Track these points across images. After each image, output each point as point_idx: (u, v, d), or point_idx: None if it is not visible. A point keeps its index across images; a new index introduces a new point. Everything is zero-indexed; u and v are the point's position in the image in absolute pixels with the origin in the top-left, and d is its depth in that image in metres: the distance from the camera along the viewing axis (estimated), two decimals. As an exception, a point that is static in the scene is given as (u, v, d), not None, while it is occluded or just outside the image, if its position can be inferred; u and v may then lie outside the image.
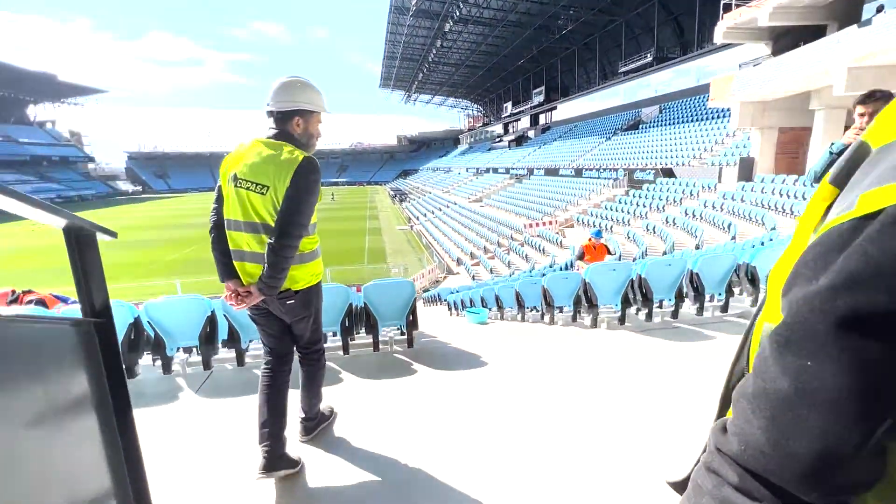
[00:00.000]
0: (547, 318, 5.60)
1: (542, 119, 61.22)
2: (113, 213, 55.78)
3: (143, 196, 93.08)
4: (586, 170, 28.51)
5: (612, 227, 17.69)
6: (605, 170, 25.89)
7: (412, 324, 4.20)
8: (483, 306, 8.09)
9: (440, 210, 40.51)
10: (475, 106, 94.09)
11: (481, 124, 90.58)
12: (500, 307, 7.96)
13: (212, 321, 4.00)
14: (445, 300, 12.05)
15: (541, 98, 57.75)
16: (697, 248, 11.24)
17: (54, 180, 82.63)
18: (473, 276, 18.21)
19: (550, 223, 21.50)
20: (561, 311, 5.48)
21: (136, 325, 3.86)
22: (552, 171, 33.67)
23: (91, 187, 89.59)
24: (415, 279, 18.36)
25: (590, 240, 6.83)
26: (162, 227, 41.42)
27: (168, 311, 3.95)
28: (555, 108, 57.04)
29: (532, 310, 6.48)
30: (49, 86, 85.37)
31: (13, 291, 4.99)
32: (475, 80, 68.91)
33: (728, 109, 22.64)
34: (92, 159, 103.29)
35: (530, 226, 21.62)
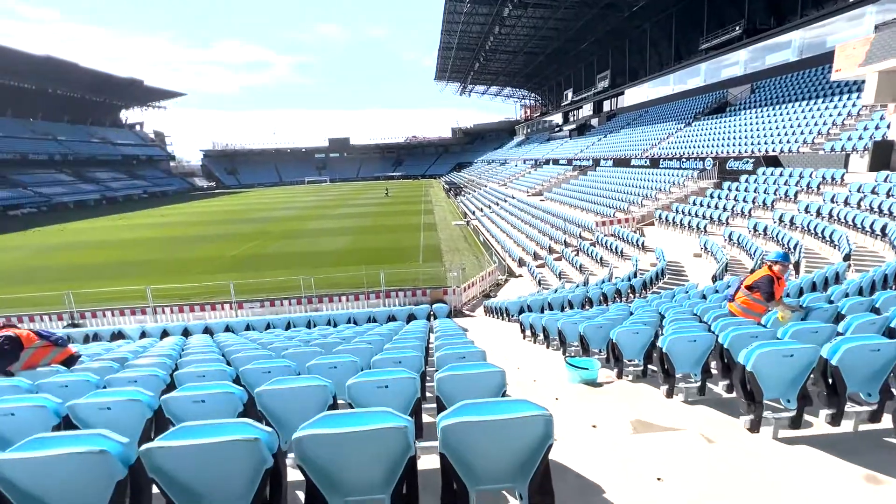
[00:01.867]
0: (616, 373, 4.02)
1: (606, 106, 57.23)
2: (189, 208, 59.64)
3: (216, 191, 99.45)
4: (664, 159, 25.53)
5: (705, 226, 15.17)
6: (687, 159, 22.89)
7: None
8: (565, 346, 6.49)
9: (497, 205, 38.79)
10: (532, 95, 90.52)
11: (539, 114, 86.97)
12: (562, 342, 6.43)
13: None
14: (516, 318, 10.46)
15: (605, 83, 53.82)
16: (846, 259, 8.80)
17: (142, 177, 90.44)
18: (539, 281, 16.51)
19: (627, 221, 19.19)
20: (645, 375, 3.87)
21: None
22: (622, 162, 30.77)
23: (172, 183, 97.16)
24: (472, 284, 17.03)
25: (773, 267, 4.65)
26: (229, 221, 43.30)
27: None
28: (621, 93, 52.96)
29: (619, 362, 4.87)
30: (137, 91, 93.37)
31: None
32: (533, 68, 65.86)
33: (854, 83, 19.00)
34: (173, 157, 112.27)
35: (603, 223, 19.44)
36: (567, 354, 6.21)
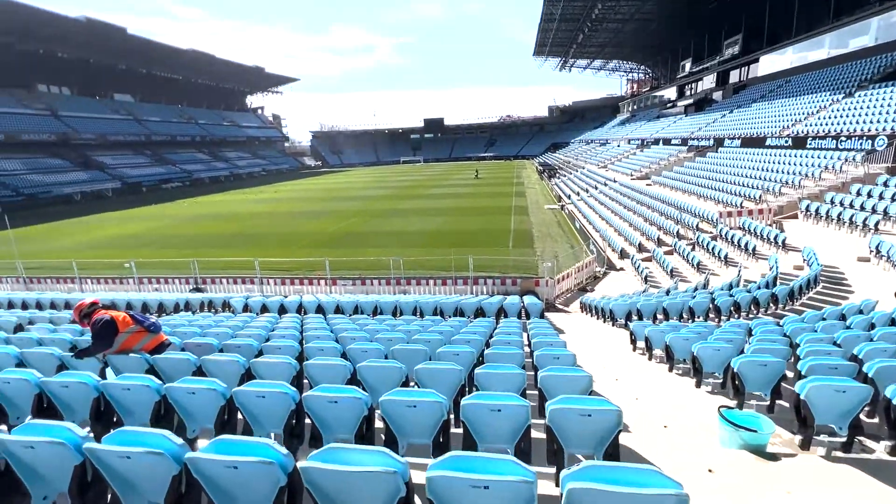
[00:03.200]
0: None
1: (733, 77, 49.51)
2: (298, 185, 65.09)
3: (321, 170, 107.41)
4: (813, 138, 21.10)
5: (876, 222, 12.01)
6: (848, 137, 18.57)
7: None
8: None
9: (596, 188, 35.95)
10: (642, 67, 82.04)
11: (648, 88, 78.69)
12: (669, 357, 5.20)
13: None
14: (622, 322, 9.09)
15: (735, 49, 46.37)
16: None
17: (262, 157, 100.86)
18: (646, 277, 14.64)
19: (760, 212, 16.20)
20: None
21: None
22: (754, 141, 26.24)
23: (286, 162, 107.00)
24: (567, 275, 15.73)
25: None
26: (330, 198, 46.20)
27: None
28: (755, 60, 45.17)
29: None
30: (259, 78, 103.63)
31: (94, 303, 4.38)
32: (645, 37, 59.22)
33: None
34: (287, 139, 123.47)
35: (728, 214, 16.65)
36: (712, 394, 5.00)
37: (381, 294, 15.74)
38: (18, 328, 7.62)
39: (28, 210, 43.99)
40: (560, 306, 14.37)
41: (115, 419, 3.20)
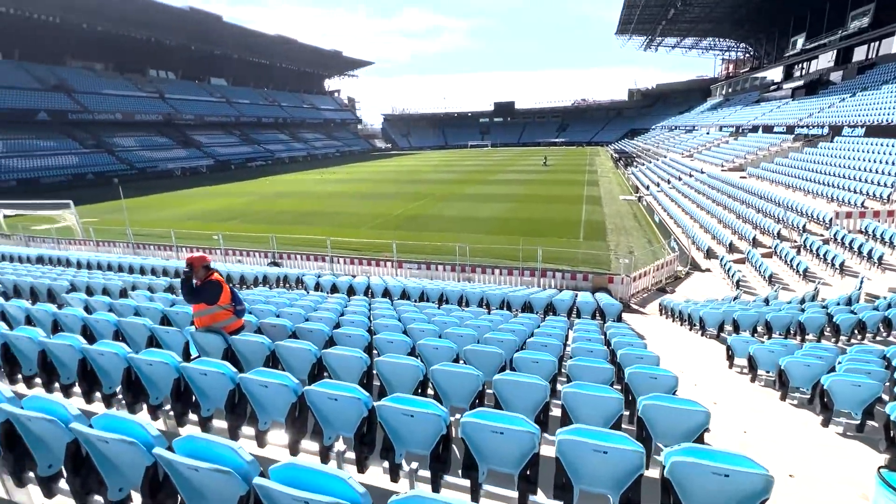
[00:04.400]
0: None
1: (857, 54, 42.62)
2: (369, 167, 67.07)
3: (391, 152, 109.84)
4: (968, 128, 17.45)
5: None
6: None
7: None
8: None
9: (679, 179, 32.99)
10: (741, 46, 73.48)
11: (748, 69, 70.38)
12: (783, 384, 4.65)
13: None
14: (713, 332, 8.08)
15: (864, 22, 39.74)
16: None
17: (336, 139, 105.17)
18: (738, 281, 13.06)
19: (889, 214, 13.75)
20: None
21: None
22: (882, 130, 22.39)
23: (358, 144, 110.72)
24: (644, 273, 14.53)
25: None
26: (399, 181, 47.00)
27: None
28: (889, 34, 38.43)
29: None
30: (337, 62, 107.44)
31: (207, 267, 4.47)
32: (749, 10, 52.66)
33: None
34: (360, 121, 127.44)
35: (847, 215, 14.34)
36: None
37: (445, 280, 15.62)
38: (122, 293, 8.39)
39: (138, 182, 49.51)
40: (636, 307, 13.32)
41: (193, 400, 3.23)
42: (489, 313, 8.16)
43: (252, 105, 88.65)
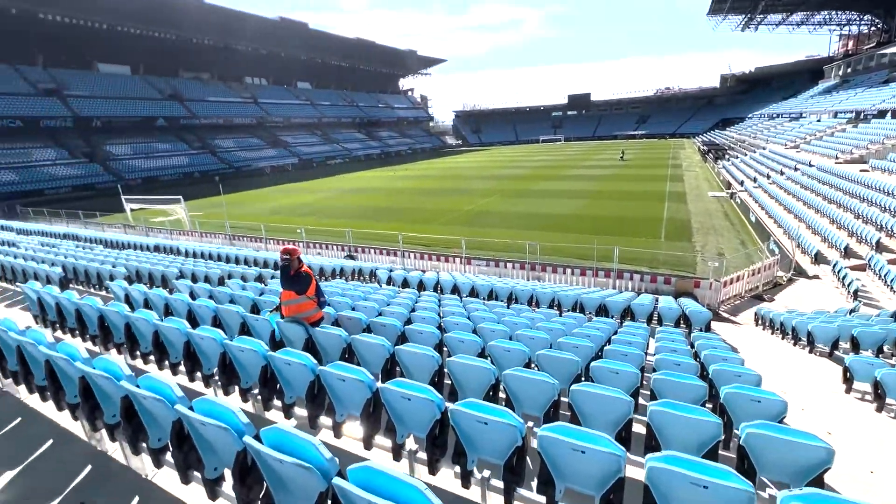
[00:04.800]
0: None
1: None
2: (440, 163, 68.08)
3: (461, 149, 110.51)
4: None
5: None
6: None
7: None
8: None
9: (781, 174, 29.34)
10: (864, 18, 63.28)
11: (873, 44, 60.46)
12: None
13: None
14: (824, 349, 6.96)
15: None
16: None
17: (409, 136, 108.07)
18: (855, 291, 11.27)
19: None
20: None
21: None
22: None
23: (429, 141, 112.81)
24: (737, 278, 13.11)
25: None
26: (468, 177, 47.11)
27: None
28: None
29: None
30: (412, 61, 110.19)
31: (299, 259, 4.77)
32: (882, -26, 45.13)
33: None
34: (431, 118, 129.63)
35: None
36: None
37: (514, 278, 15.36)
38: (220, 281, 9.28)
39: (235, 180, 54.74)
40: (726, 315, 12.08)
41: (278, 387, 3.44)
42: (561, 315, 7.85)
43: (332, 106, 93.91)
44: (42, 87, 52.11)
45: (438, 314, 6.55)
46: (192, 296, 6.66)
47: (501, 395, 3.64)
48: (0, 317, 4.26)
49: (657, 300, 10.13)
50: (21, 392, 3.98)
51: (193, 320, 5.38)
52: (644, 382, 4.40)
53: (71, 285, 8.92)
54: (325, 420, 3.22)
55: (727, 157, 46.38)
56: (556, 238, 19.37)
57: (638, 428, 3.43)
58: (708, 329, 8.01)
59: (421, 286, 10.95)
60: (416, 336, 4.79)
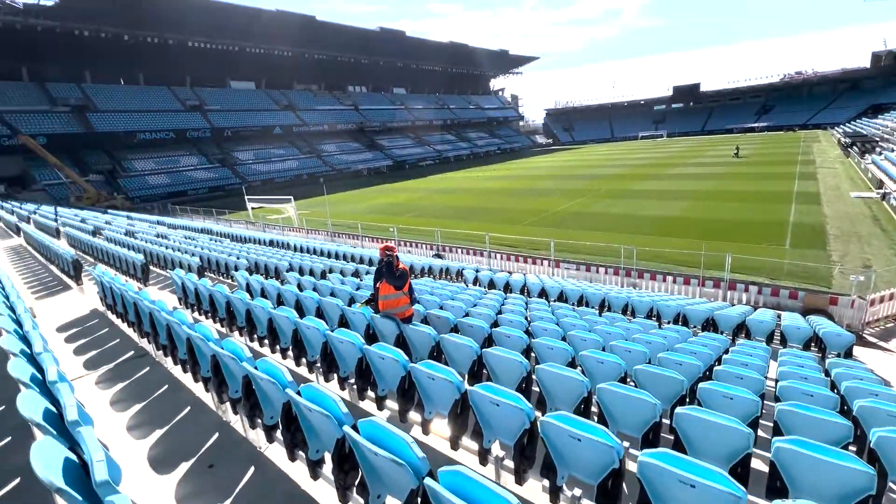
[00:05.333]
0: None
1: None
2: (528, 163, 66.89)
3: (552, 147, 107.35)
4: None
5: None
6: None
7: None
8: None
9: (961, 170, 23.74)
10: None
11: None
12: None
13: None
14: None
15: None
16: None
17: (498, 136, 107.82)
18: None
19: None
20: None
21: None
22: None
23: (518, 141, 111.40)
24: (890, 296, 10.88)
25: None
26: (558, 177, 45.57)
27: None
28: None
29: None
30: (503, 61, 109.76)
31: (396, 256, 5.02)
32: None
33: None
34: (522, 117, 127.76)
35: None
36: None
37: (606, 284, 14.51)
38: (323, 274, 10.12)
39: (336, 181, 59.36)
40: (873, 339, 10.11)
41: (371, 379, 3.64)
42: (660, 327, 7.21)
43: (425, 110, 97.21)
44: (189, 104, 61.53)
45: (525, 318, 6.41)
46: (300, 287, 7.34)
47: (593, 409, 3.44)
48: (155, 298, 5.10)
49: (780, 317, 8.82)
50: (167, 363, 4.73)
51: (301, 310, 5.93)
52: (764, 412, 3.84)
53: (206, 273, 10.38)
54: (413, 416, 3.33)
55: (878, 150, 38.74)
56: (656, 242, 17.88)
57: (757, 464, 3.01)
58: (849, 355, 6.76)
59: (507, 288, 10.84)
60: (503, 339, 4.75)
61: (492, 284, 11.19)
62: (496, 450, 2.79)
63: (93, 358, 5.18)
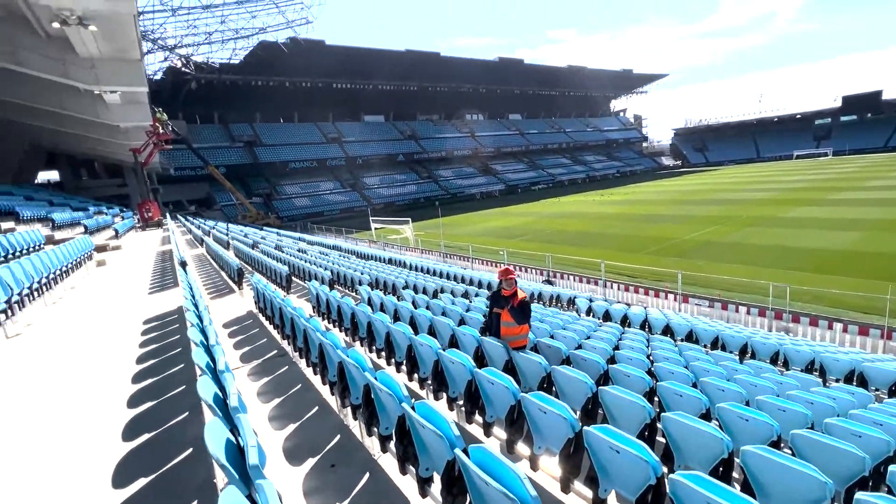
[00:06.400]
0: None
1: None
2: (652, 186, 61.81)
3: (680, 170, 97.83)
4: None
5: None
6: None
7: None
8: None
9: None
10: None
11: None
12: None
13: None
14: None
15: None
16: None
17: (617, 159, 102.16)
18: None
19: None
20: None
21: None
22: None
23: (641, 163, 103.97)
24: None
25: None
26: (687, 202, 41.14)
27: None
28: None
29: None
30: (626, 80, 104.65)
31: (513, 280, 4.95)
32: None
33: None
34: (646, 138, 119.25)
35: None
36: None
37: (749, 326, 12.48)
38: (435, 294, 10.53)
39: (450, 204, 62.01)
40: None
41: (480, 403, 3.63)
42: (826, 386, 5.91)
43: (539, 134, 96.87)
44: (329, 137, 70.73)
45: (647, 357, 5.82)
46: (415, 304, 7.74)
47: (735, 474, 2.94)
48: (296, 305, 5.85)
49: None
50: (301, 364, 5.35)
51: (415, 326, 6.23)
52: None
53: (335, 286, 11.59)
54: (521, 447, 3.22)
55: None
56: (816, 281, 14.96)
57: None
58: None
59: (625, 321, 9.99)
60: (621, 378, 4.36)
61: (607, 316, 10.42)
62: (612, 501, 2.54)
63: (246, 352, 6.11)
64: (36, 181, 43.69)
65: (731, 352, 7.96)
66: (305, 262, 13.56)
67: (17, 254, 9.52)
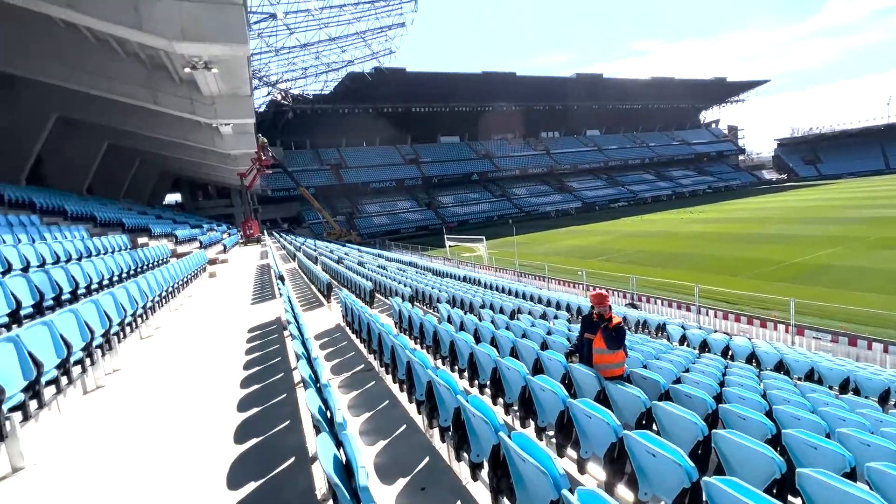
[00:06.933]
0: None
1: None
2: (752, 203, 55.86)
3: (785, 184, 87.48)
4: None
5: None
6: None
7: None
8: None
9: None
10: None
11: None
12: None
13: None
14: None
15: None
16: None
17: (708, 173, 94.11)
18: None
19: None
20: None
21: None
22: None
23: (736, 178, 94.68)
24: None
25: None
26: (798, 220, 36.45)
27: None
28: None
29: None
30: (719, 89, 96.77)
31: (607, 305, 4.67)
32: None
33: None
34: (742, 151, 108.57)
35: None
36: None
37: (883, 365, 10.57)
38: (513, 314, 10.34)
39: (524, 222, 61.22)
40: None
41: (573, 435, 3.43)
42: None
43: (620, 149, 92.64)
44: (407, 158, 73.99)
45: (763, 395, 5.13)
46: (495, 324, 7.64)
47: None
48: (382, 321, 6.06)
49: None
50: (388, 380, 5.49)
51: (497, 347, 6.13)
52: None
53: (414, 302, 11.88)
54: (623, 491, 2.96)
55: None
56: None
57: None
58: None
59: (727, 353, 8.98)
60: (735, 421, 3.87)
61: (705, 346, 9.45)
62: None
63: (336, 365, 6.44)
64: (164, 202, 51.10)
65: (866, 396, 6.77)
66: (386, 277, 14.09)
67: (151, 265, 11.06)
